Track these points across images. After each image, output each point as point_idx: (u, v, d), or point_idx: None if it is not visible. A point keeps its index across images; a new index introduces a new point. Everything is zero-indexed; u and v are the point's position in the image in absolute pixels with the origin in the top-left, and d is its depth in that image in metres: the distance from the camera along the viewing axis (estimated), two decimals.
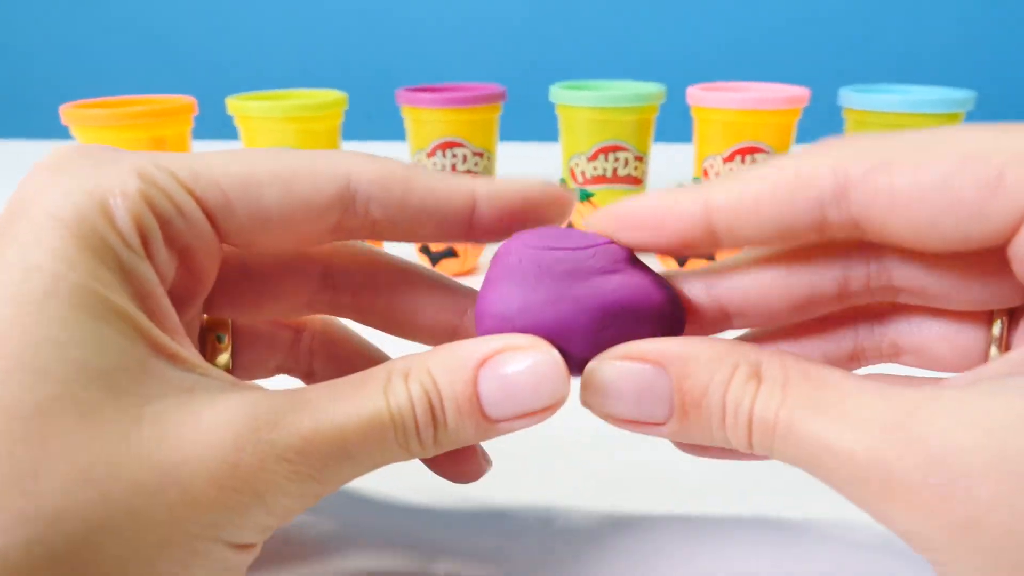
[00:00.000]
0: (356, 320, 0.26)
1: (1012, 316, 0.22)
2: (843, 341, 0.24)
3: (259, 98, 0.73)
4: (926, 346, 0.23)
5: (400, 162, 0.22)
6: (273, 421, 0.18)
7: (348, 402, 0.19)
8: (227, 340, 0.25)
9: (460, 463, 0.26)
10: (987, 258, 0.20)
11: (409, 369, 0.20)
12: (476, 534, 0.27)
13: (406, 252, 0.60)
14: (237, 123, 0.70)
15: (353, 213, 0.21)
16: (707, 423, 0.19)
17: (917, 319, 0.23)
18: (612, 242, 0.22)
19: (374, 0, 1.34)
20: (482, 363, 0.20)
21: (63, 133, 0.70)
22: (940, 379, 0.21)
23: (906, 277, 0.22)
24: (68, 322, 0.17)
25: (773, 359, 0.19)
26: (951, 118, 0.65)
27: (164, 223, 0.20)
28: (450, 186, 0.22)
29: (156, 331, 0.19)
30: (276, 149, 0.21)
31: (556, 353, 0.20)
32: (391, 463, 0.20)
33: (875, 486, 0.17)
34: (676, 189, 0.22)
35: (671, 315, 0.22)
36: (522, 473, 0.30)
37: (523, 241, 0.22)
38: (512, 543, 0.26)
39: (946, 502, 0.16)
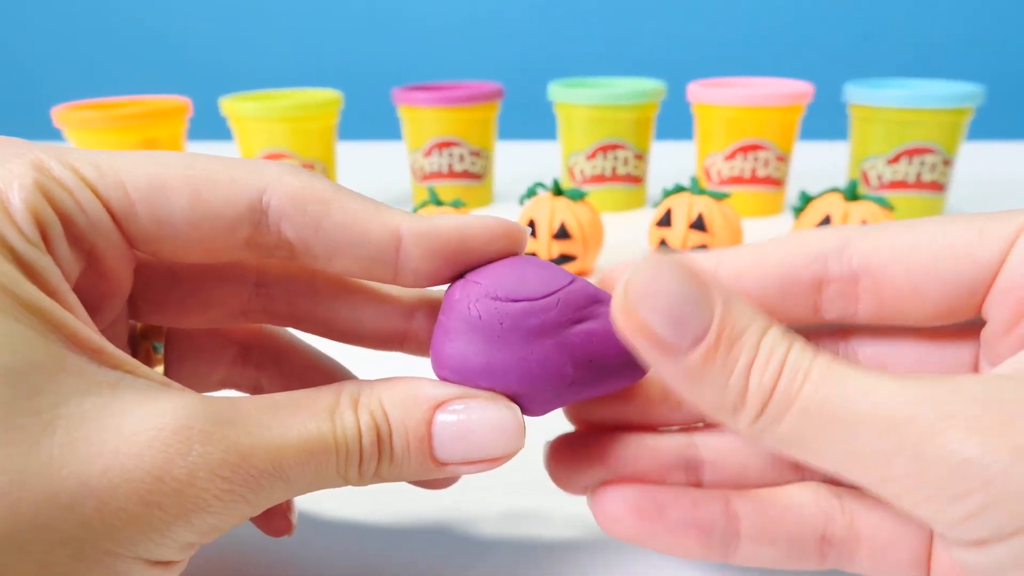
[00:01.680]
0: (296, 328, 0.24)
1: None
2: None
3: (253, 98, 0.72)
4: None
5: (329, 183, 0.20)
6: (207, 431, 0.17)
7: (291, 420, 0.18)
8: (162, 352, 0.24)
9: None
10: (947, 337, 0.22)
11: (359, 396, 0.19)
12: (446, 544, 0.26)
13: None
14: (231, 124, 0.69)
15: (265, 229, 0.20)
16: (733, 362, 0.18)
17: None
18: (575, 279, 0.21)
19: None
20: (438, 406, 0.19)
21: (56, 135, 0.69)
22: None
23: (867, 349, 0.23)
24: None
25: (798, 335, 0.19)
26: (960, 113, 0.63)
27: (65, 219, 0.18)
28: (373, 219, 0.20)
29: (75, 323, 0.17)
30: (195, 154, 0.20)
31: (515, 409, 0.20)
32: (323, 489, 0.19)
33: (923, 423, 0.16)
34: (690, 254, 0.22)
35: (635, 361, 0.21)
36: (486, 479, 0.28)
37: (480, 289, 0.20)
38: (482, 556, 0.26)
39: (1012, 423, 0.16)
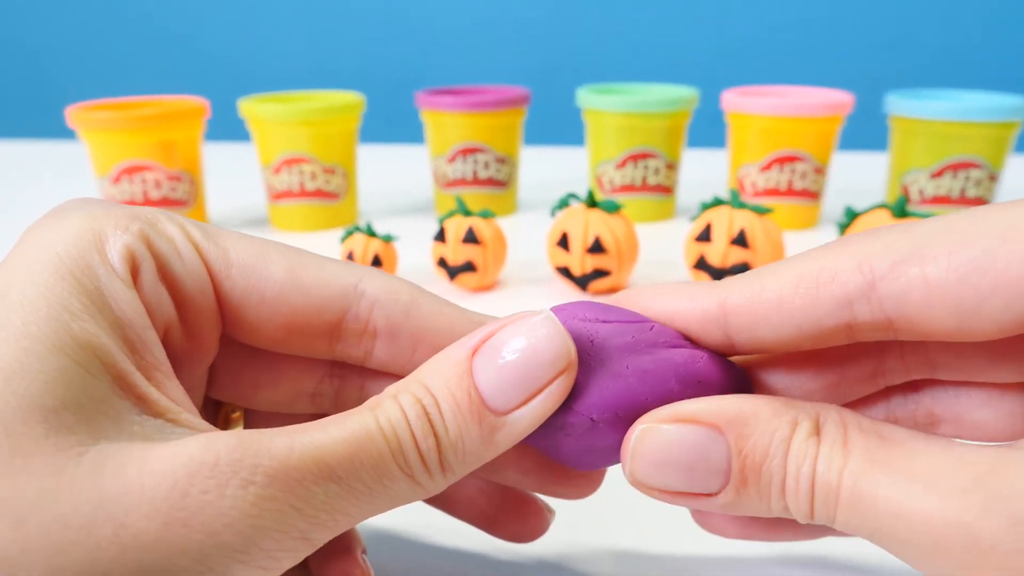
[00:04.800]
0: None
1: None
2: (874, 412, 0.22)
3: (273, 100, 0.70)
4: (966, 414, 0.21)
5: (411, 283, 0.21)
6: (237, 442, 0.16)
7: (331, 424, 0.17)
8: (239, 413, 0.23)
9: (523, 518, 0.24)
10: None
11: (399, 388, 0.18)
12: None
13: (421, 277, 0.57)
14: (250, 126, 0.67)
15: (355, 316, 0.20)
16: (766, 491, 0.17)
17: (954, 387, 0.21)
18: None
19: None
20: (474, 352, 0.18)
21: (69, 135, 0.67)
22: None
23: (944, 361, 0.20)
24: (20, 351, 0.15)
25: (830, 412, 0.18)
26: (1007, 127, 0.61)
27: (160, 261, 0.19)
28: (458, 312, 0.21)
29: (127, 366, 0.17)
30: (293, 246, 0.21)
31: (549, 313, 0.18)
32: (400, 500, 0.18)
33: (957, 553, 0.15)
34: (693, 284, 0.20)
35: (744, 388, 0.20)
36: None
37: (566, 313, 0.19)
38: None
39: None
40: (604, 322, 0.19)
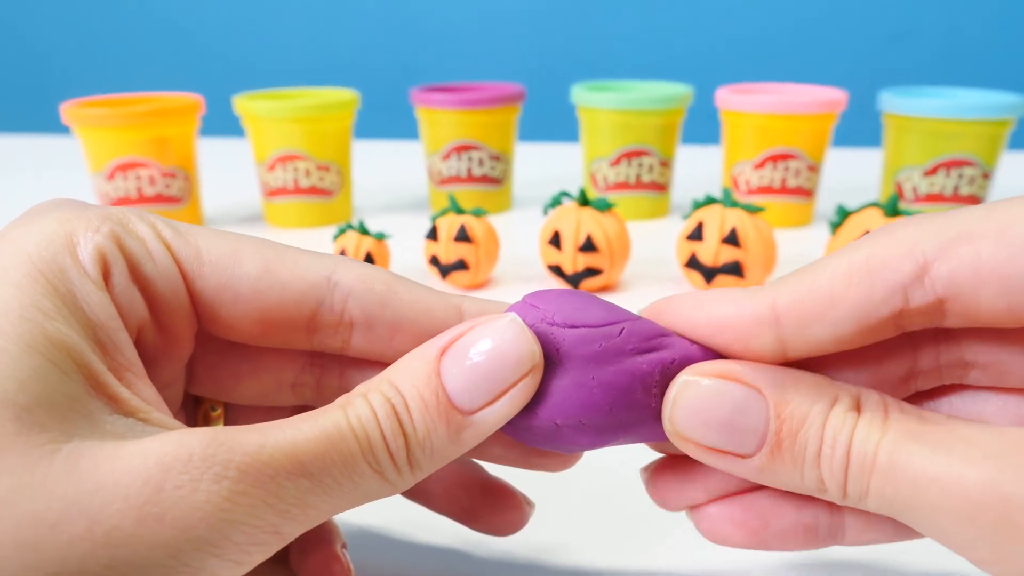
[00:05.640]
0: None
1: None
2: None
3: (267, 97, 0.70)
4: (985, 419, 0.21)
5: (388, 271, 0.21)
6: (211, 438, 0.16)
7: (303, 422, 0.17)
8: (220, 411, 0.23)
9: (501, 511, 0.24)
10: None
11: (369, 387, 0.18)
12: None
13: (414, 274, 0.57)
14: (244, 123, 0.67)
15: (330, 308, 0.20)
16: (800, 458, 0.18)
17: (973, 393, 0.21)
18: (640, 317, 0.20)
19: None
20: (442, 352, 0.18)
21: (64, 132, 0.67)
22: None
23: (978, 360, 0.20)
24: None
25: (872, 394, 0.18)
26: (1001, 124, 0.61)
27: (132, 263, 0.19)
28: (436, 298, 0.21)
29: (99, 367, 0.17)
30: (266, 239, 0.21)
31: (515, 316, 0.18)
32: (370, 496, 0.18)
33: (991, 518, 0.15)
34: (739, 290, 0.19)
35: None
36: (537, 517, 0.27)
37: (537, 314, 0.19)
38: None
39: None
40: (572, 327, 0.19)
